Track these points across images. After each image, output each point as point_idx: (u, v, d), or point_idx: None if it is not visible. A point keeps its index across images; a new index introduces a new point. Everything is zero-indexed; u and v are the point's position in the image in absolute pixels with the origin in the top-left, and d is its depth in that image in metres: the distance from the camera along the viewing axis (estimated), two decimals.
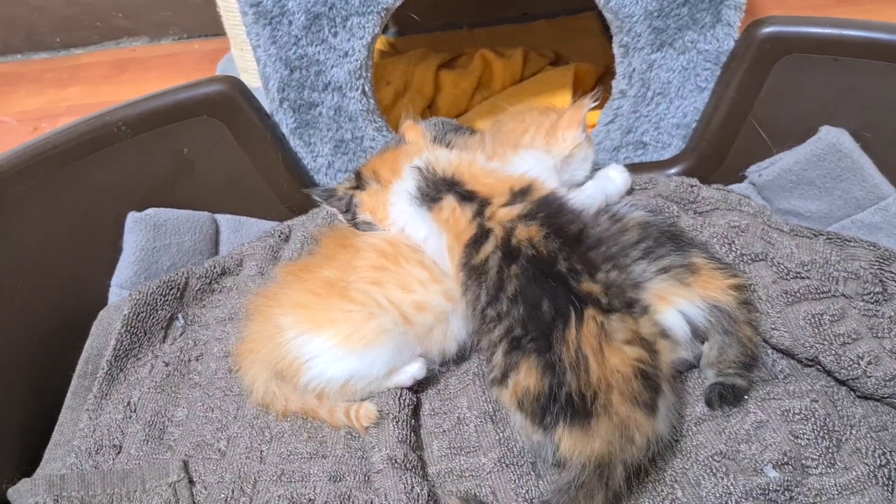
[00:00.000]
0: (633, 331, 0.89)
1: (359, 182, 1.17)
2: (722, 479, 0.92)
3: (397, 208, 1.09)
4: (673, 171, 1.44)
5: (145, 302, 1.22)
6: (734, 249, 1.16)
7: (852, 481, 0.91)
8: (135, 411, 1.13)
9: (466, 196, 1.02)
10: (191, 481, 1.02)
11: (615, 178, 1.22)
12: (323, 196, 1.21)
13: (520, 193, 1.01)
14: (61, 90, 2.41)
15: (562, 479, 0.89)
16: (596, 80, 1.85)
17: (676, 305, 1.01)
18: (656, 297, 1.01)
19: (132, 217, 1.32)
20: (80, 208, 1.30)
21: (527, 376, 0.89)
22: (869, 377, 0.99)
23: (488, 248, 0.96)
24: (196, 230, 1.38)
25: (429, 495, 0.93)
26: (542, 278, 0.91)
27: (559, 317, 0.88)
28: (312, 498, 0.98)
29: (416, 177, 1.07)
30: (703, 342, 1.04)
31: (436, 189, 1.05)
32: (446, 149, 1.14)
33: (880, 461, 0.92)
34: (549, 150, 1.18)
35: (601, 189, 1.18)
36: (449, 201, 1.03)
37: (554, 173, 1.17)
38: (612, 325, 0.88)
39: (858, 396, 1.02)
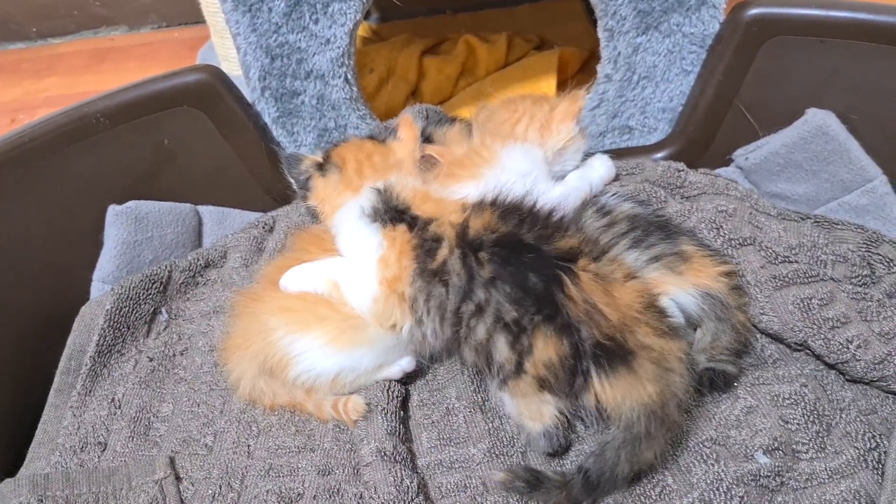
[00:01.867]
0: (626, 268, 0.89)
1: (324, 164, 1.14)
2: (713, 465, 0.91)
3: (343, 216, 1.06)
4: (660, 155, 1.43)
5: (128, 296, 1.20)
6: (722, 234, 1.15)
7: (842, 465, 0.91)
8: (119, 408, 1.12)
9: (413, 220, 0.99)
10: (177, 478, 1.01)
11: (599, 168, 1.21)
12: (288, 161, 1.19)
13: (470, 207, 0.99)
14: (39, 81, 2.38)
15: (616, 435, 0.87)
16: (581, 65, 1.84)
17: (669, 294, 1.00)
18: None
19: (113, 210, 1.30)
20: (59, 202, 1.28)
21: (546, 348, 0.86)
22: (858, 361, 0.99)
23: (444, 251, 0.94)
24: (178, 222, 1.36)
25: (419, 487, 0.93)
26: (516, 255, 0.89)
27: (552, 282, 0.87)
28: (301, 492, 0.97)
29: (374, 198, 1.03)
30: (695, 329, 1.04)
31: (390, 213, 1.01)
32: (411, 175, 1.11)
33: (870, 444, 0.92)
34: (542, 142, 1.17)
35: (585, 179, 1.17)
36: (402, 226, 0.99)
37: (543, 165, 1.16)
38: (606, 269, 0.88)
39: (848, 380, 1.02)
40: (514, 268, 0.89)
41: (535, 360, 0.87)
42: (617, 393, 0.85)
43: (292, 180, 1.19)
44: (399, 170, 1.10)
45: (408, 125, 1.16)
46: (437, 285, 0.93)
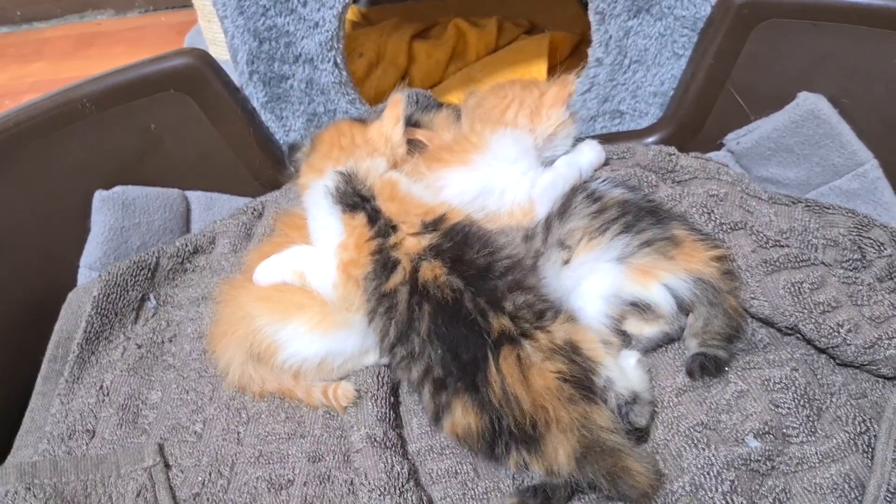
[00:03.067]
0: (548, 347, 0.89)
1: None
2: (703, 449, 0.91)
3: (310, 197, 1.06)
4: (651, 139, 1.42)
5: (115, 283, 1.19)
6: (713, 218, 1.15)
7: (833, 449, 0.91)
8: (108, 395, 1.11)
9: (374, 214, 0.99)
10: (167, 465, 1.00)
11: (588, 153, 1.20)
12: (288, 148, 1.21)
13: (431, 224, 0.98)
14: (24, 66, 2.35)
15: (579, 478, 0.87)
16: (571, 49, 1.83)
17: (661, 280, 1.00)
18: (640, 272, 1.01)
19: (99, 196, 1.29)
20: (45, 188, 1.26)
21: (465, 415, 0.88)
22: (849, 345, 0.99)
23: (397, 278, 0.94)
24: (166, 208, 1.35)
25: (409, 473, 0.92)
26: (453, 324, 0.90)
27: (478, 359, 0.88)
28: (291, 479, 0.97)
29: (338, 179, 1.03)
30: (687, 314, 1.04)
31: (353, 198, 1.01)
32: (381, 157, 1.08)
33: (860, 428, 0.92)
34: (532, 128, 1.16)
35: (575, 165, 1.16)
36: (361, 215, 0.99)
37: (533, 151, 1.15)
38: (529, 352, 0.88)
39: (838, 364, 1.02)
40: (448, 333, 0.90)
41: (453, 421, 0.90)
42: (539, 463, 0.87)
43: (293, 168, 1.19)
44: (368, 150, 1.08)
45: (393, 105, 1.13)
46: (382, 312, 0.95)
